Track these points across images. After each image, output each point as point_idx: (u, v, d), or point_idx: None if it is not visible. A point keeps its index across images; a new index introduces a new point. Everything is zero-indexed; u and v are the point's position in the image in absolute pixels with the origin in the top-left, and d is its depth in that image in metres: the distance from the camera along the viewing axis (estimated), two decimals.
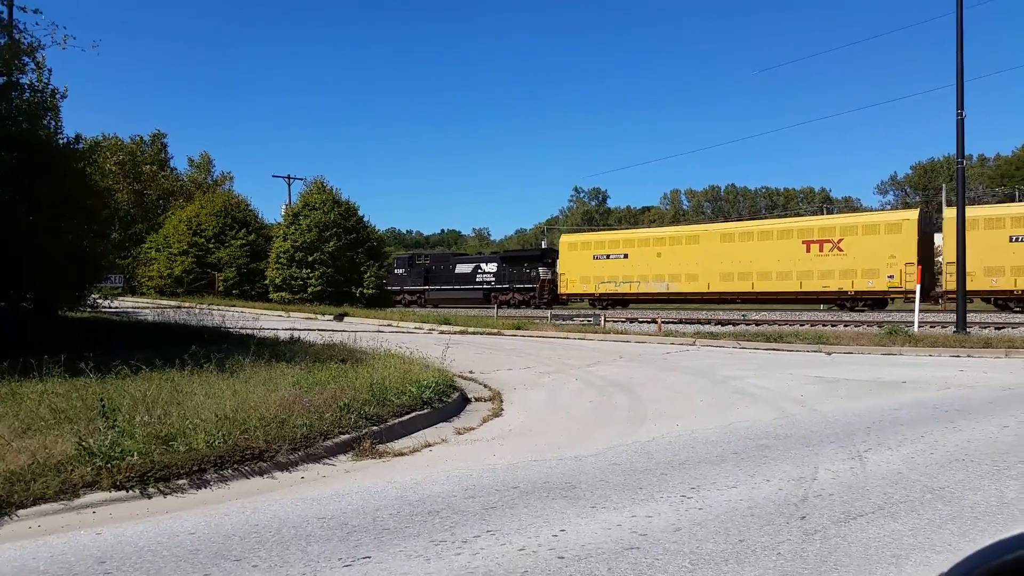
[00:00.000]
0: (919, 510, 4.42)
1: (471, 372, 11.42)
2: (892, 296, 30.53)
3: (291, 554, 3.85)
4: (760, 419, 7.50)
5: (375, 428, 6.74)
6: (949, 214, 29.99)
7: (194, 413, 6.09)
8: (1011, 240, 26.60)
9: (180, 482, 5.13)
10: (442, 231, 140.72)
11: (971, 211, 30.56)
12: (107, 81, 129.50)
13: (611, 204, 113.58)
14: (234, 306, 32.58)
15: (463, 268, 43.86)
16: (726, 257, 33.44)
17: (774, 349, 15.21)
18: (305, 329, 18.23)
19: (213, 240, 43.02)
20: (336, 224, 38.46)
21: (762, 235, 33.19)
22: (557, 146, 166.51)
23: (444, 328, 21.91)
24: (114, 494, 4.81)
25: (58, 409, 6.47)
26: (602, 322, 23.75)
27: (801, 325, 22.38)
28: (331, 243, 38.02)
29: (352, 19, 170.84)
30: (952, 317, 19.31)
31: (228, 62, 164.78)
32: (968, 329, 16.30)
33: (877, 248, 29.76)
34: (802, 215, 60.06)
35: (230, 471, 5.43)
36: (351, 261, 38.85)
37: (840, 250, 30.70)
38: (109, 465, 4.92)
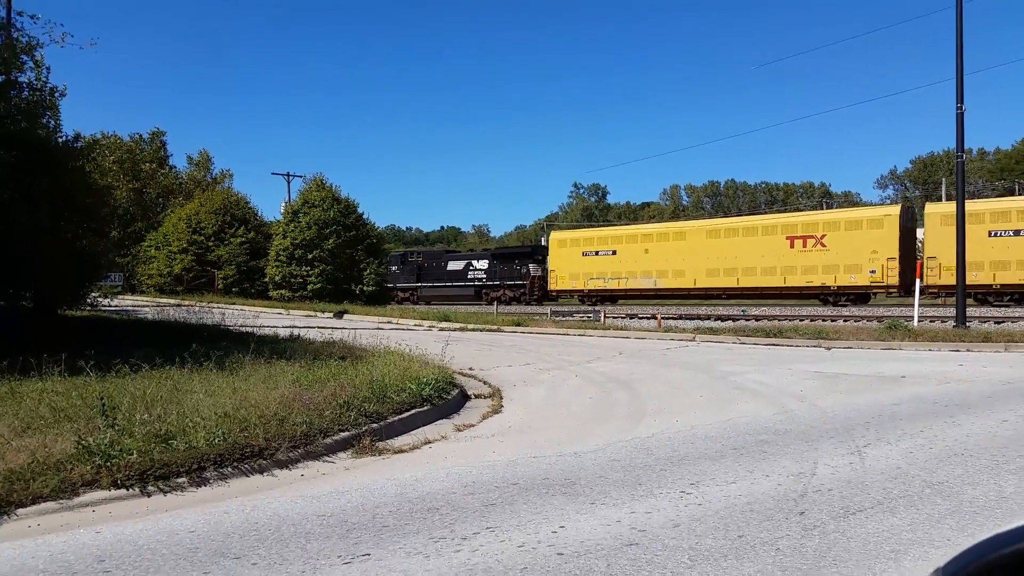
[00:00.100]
0: (918, 505, 4.42)
1: (471, 369, 11.42)
2: (875, 291, 30.94)
3: (291, 552, 3.86)
4: (759, 415, 7.51)
5: (375, 425, 6.75)
6: (930, 209, 30.28)
7: (194, 411, 6.09)
8: (990, 235, 26.77)
9: (180, 480, 5.13)
10: (442, 228, 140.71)
11: (951, 206, 30.75)
12: (106, 79, 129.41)
13: (611, 200, 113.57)
14: (234, 304, 32.61)
15: (455, 265, 44.24)
16: (712, 253, 33.89)
17: (774, 344, 15.22)
18: (305, 327, 18.22)
19: (213, 238, 43.00)
20: (336, 221, 38.45)
21: (747, 231, 33.61)
22: (557, 142, 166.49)
23: (444, 325, 21.92)
24: (114, 493, 4.81)
25: (58, 408, 6.48)
26: (602, 318, 23.76)
27: (801, 320, 22.41)
28: (331, 240, 38.03)
29: (351, 16, 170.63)
30: (951, 312, 19.33)
31: (227, 60, 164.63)
32: (968, 323, 16.30)
33: (859, 244, 30.08)
34: (802, 210, 60.14)
35: (230, 469, 5.43)
36: (351, 258, 38.87)
37: (823, 246, 31.06)
38: (109, 464, 4.93)
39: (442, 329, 20.94)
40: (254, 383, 7.50)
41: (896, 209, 30.91)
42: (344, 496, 4.90)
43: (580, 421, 7.53)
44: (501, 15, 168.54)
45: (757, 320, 23.06)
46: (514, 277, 40.98)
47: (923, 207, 32.17)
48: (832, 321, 21.77)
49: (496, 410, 8.29)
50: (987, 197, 47.89)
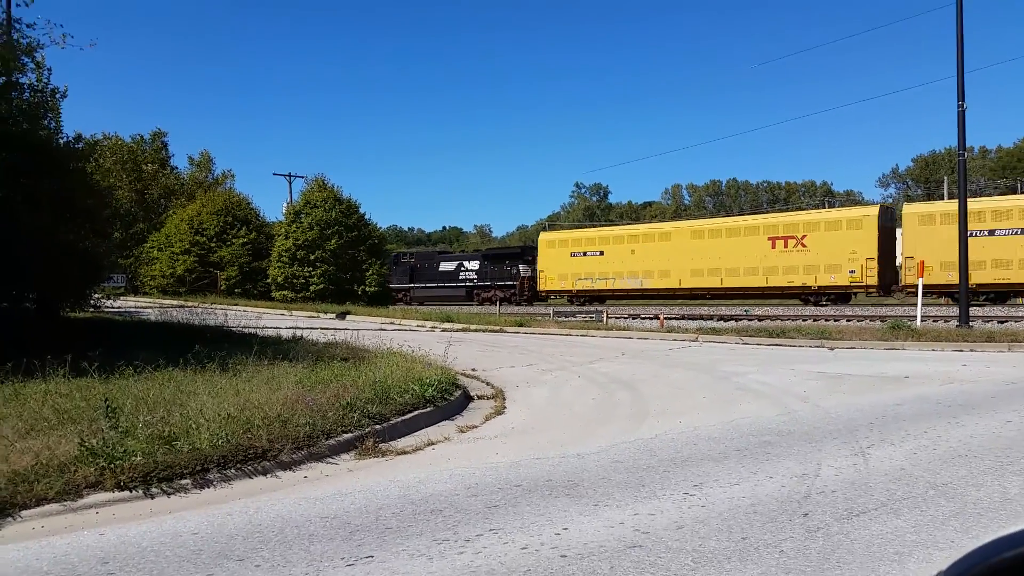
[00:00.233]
0: (922, 506, 4.41)
1: (473, 370, 11.42)
2: (854, 291, 31.30)
3: (294, 554, 3.86)
4: (763, 415, 7.50)
5: (378, 427, 6.75)
6: (907, 210, 30.73)
7: (197, 413, 6.09)
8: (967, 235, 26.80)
9: (183, 482, 5.14)
10: (444, 228, 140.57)
11: (930, 206, 31.34)
12: (107, 79, 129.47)
13: (612, 199, 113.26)
14: (236, 305, 32.62)
15: (447, 266, 44.82)
16: (696, 254, 34.33)
17: (776, 345, 15.20)
18: (307, 328, 18.24)
19: (215, 239, 43.03)
20: (337, 222, 38.46)
21: (730, 232, 34.04)
22: (558, 142, 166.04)
23: (446, 326, 21.93)
24: (117, 494, 4.82)
25: (61, 410, 6.49)
26: (604, 319, 23.76)
27: (804, 320, 22.40)
28: (333, 241, 38.03)
29: (351, 16, 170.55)
30: (953, 311, 19.31)
31: (228, 60, 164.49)
32: (971, 323, 16.27)
33: (839, 244, 30.41)
34: (801, 210, 60.18)
35: (233, 471, 5.43)
36: (353, 259, 38.87)
37: (804, 246, 31.41)
38: (112, 465, 4.93)
39: (444, 330, 20.94)
40: (257, 384, 7.50)
41: (875, 209, 31.22)
42: (347, 498, 4.90)
43: (583, 422, 7.52)
44: (501, 15, 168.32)
45: (760, 320, 23.05)
46: (504, 278, 41.59)
47: (901, 207, 32.45)
48: (835, 321, 21.76)
49: (499, 411, 8.29)
50: (990, 195, 47.84)
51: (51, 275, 12.61)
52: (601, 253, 37.92)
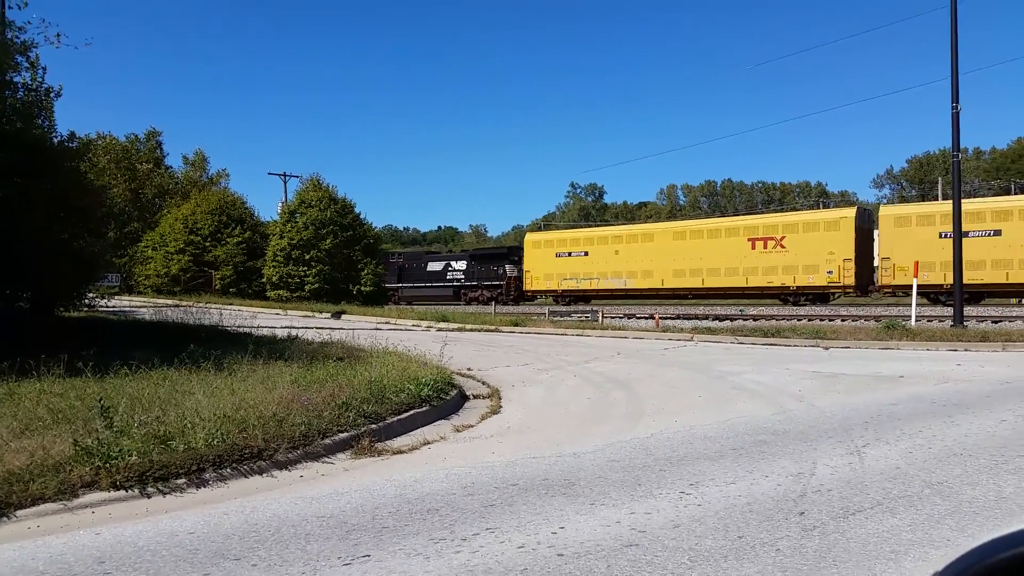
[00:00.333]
0: (917, 505, 4.43)
1: (469, 369, 11.42)
2: (832, 291, 31.78)
3: (290, 553, 3.85)
4: (758, 415, 7.52)
5: (374, 426, 6.75)
6: (884, 212, 31.24)
7: (192, 412, 6.08)
8: (941, 236, 27.10)
9: (179, 481, 5.12)
10: (439, 228, 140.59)
11: (905, 208, 31.87)
12: (101, 78, 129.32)
13: (608, 200, 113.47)
14: (231, 304, 32.53)
15: (434, 266, 45.20)
16: (679, 254, 34.86)
17: (772, 344, 15.23)
18: (303, 327, 18.21)
19: (210, 238, 42.90)
20: (333, 221, 38.38)
21: (711, 233, 34.55)
22: (555, 142, 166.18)
23: (442, 325, 21.91)
24: (113, 494, 4.80)
25: (56, 409, 6.46)
26: (600, 318, 23.77)
27: (799, 320, 22.45)
28: (328, 241, 37.95)
29: (351, 16, 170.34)
30: (948, 311, 19.38)
31: (224, 59, 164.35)
32: (965, 323, 16.34)
33: (817, 245, 30.89)
34: (799, 209, 60.44)
35: (229, 470, 5.42)
36: (348, 259, 38.79)
37: (783, 247, 31.90)
38: (108, 465, 4.91)
39: (440, 329, 20.93)
40: (252, 384, 7.48)
41: (852, 211, 31.75)
42: (343, 497, 4.90)
43: (579, 421, 7.53)
44: (501, 15, 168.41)
45: (755, 320, 23.10)
46: (491, 278, 42.01)
47: (878, 209, 32.88)
48: (829, 321, 21.83)
49: (495, 411, 8.29)
50: (984, 196, 48.06)
51: (45, 274, 12.57)
52: (586, 254, 38.46)
